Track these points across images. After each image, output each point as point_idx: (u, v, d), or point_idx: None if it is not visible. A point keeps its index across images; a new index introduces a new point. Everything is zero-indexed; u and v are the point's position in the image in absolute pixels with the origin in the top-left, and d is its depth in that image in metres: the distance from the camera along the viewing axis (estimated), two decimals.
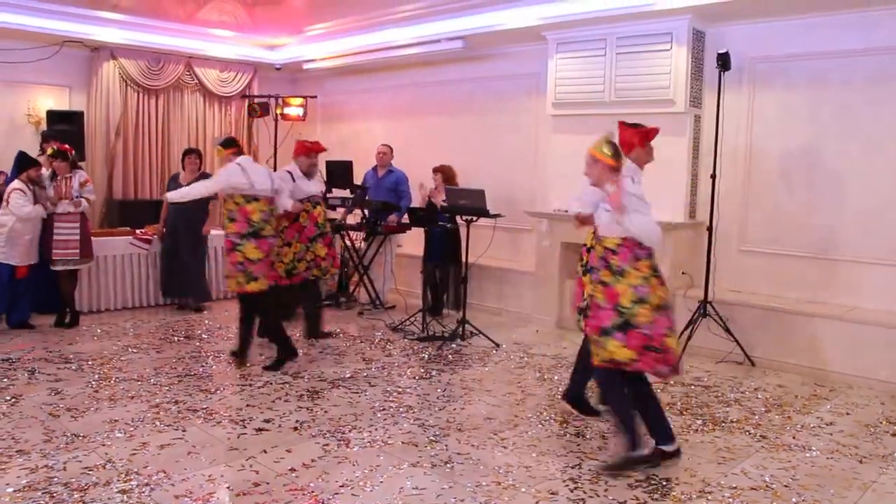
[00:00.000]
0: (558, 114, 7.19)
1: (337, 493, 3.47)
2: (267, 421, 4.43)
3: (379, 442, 4.14)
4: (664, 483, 3.69)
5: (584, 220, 4.06)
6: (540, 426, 4.46)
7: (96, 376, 5.23)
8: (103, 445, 3.97)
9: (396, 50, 8.43)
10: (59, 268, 6.54)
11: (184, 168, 7.52)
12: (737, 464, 3.97)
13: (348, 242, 8.01)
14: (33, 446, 3.93)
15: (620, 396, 3.87)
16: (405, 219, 7.54)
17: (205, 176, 7.04)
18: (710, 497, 3.54)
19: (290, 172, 5.97)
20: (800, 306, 5.91)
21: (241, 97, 9.93)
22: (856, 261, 5.83)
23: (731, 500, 3.52)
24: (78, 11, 8.08)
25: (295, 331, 6.47)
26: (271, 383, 5.20)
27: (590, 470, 3.82)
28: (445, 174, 7.51)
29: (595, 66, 6.83)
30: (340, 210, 7.87)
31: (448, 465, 3.85)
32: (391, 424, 4.42)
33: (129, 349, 6.01)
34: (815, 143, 6.02)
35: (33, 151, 7.58)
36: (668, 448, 3.88)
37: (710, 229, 6.07)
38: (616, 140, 3.90)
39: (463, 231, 6.66)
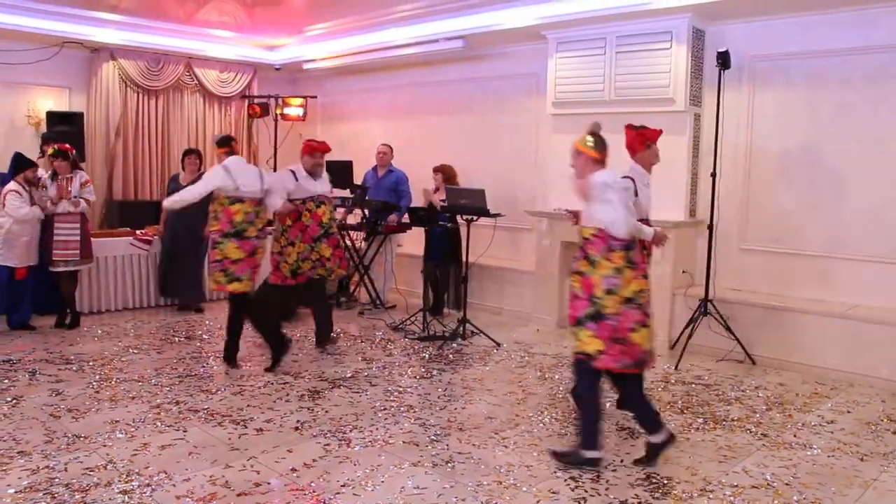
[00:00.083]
0: (558, 113, 7.19)
1: (338, 493, 3.48)
2: (268, 421, 4.44)
3: (380, 441, 4.14)
4: (665, 481, 3.69)
5: (577, 217, 4.07)
6: (541, 425, 4.46)
7: (97, 377, 5.24)
8: (104, 446, 3.97)
9: (396, 50, 8.43)
10: (59, 269, 6.54)
11: (184, 169, 7.52)
12: (738, 462, 3.97)
13: (349, 242, 8.01)
14: (34, 447, 3.93)
15: (591, 393, 3.85)
16: (405, 218, 7.54)
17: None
18: (711, 495, 3.54)
19: (293, 172, 5.94)
20: (800, 304, 5.91)
21: (241, 97, 9.93)
22: (856, 259, 5.83)
23: (732, 498, 3.52)
24: (77, 12, 8.09)
25: (295, 331, 6.48)
26: (272, 383, 5.20)
27: (590, 468, 3.82)
28: (446, 174, 7.51)
29: (595, 65, 6.83)
30: (341, 210, 7.86)
31: (449, 465, 3.85)
32: (392, 424, 4.43)
33: (130, 350, 6.01)
34: (815, 141, 6.02)
35: (33, 152, 7.60)
36: (657, 439, 3.85)
37: (710, 228, 6.06)
38: (601, 131, 3.88)
39: (463, 230, 6.65)
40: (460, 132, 8.52)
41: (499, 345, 6.40)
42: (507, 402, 4.91)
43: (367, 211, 7.78)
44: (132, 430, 4.22)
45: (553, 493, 3.54)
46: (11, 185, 6.33)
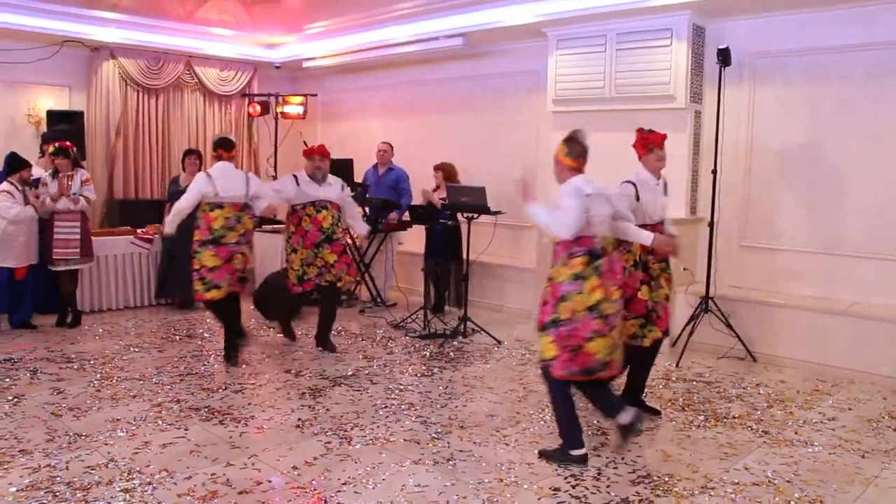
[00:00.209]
0: (559, 110, 7.18)
1: (339, 491, 3.48)
2: (269, 419, 4.44)
3: (381, 439, 4.14)
4: (666, 479, 3.69)
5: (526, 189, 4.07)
6: (542, 423, 4.46)
7: (98, 376, 5.24)
8: (105, 444, 3.98)
9: (396, 47, 8.42)
10: (59, 268, 6.54)
11: (184, 169, 7.52)
12: (739, 459, 3.97)
13: (349, 241, 8.00)
14: (36, 446, 3.94)
15: (561, 396, 3.85)
16: (406, 216, 7.53)
17: None
18: (712, 493, 3.54)
19: (296, 176, 5.91)
20: (801, 302, 5.91)
21: (241, 96, 9.92)
22: (857, 256, 5.83)
23: (733, 495, 3.52)
24: (77, 11, 8.07)
25: (297, 329, 6.48)
26: (273, 381, 5.21)
27: (592, 467, 3.82)
28: (446, 172, 7.51)
29: (595, 62, 6.82)
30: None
31: (450, 463, 3.85)
32: (393, 422, 4.43)
33: (131, 348, 6.01)
34: (816, 138, 6.01)
35: (34, 152, 7.61)
36: (623, 419, 3.81)
37: (711, 225, 6.06)
38: (584, 137, 3.88)
39: (464, 228, 6.65)
40: (461, 130, 8.51)
41: (499, 342, 6.40)
42: (507, 400, 4.91)
43: (367, 209, 7.77)
44: (133, 428, 4.22)
45: (554, 490, 3.54)
46: (4, 185, 6.32)
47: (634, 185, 4.35)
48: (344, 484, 3.56)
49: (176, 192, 6.75)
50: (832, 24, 5.85)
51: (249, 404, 4.71)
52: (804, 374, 5.62)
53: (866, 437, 4.35)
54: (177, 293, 7.54)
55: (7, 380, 5.10)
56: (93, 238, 6.91)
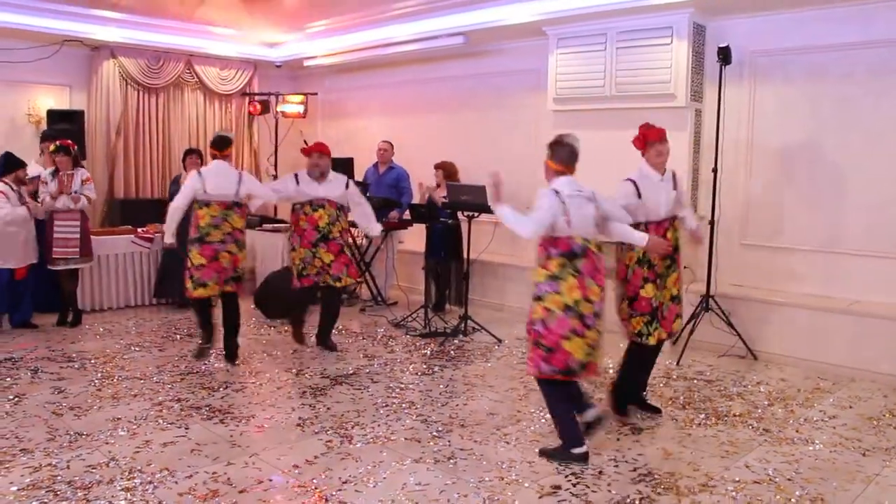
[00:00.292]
0: (559, 109, 7.17)
1: (340, 490, 3.48)
2: (269, 418, 4.44)
3: (382, 438, 4.14)
4: (667, 477, 3.69)
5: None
6: (543, 421, 4.46)
7: (99, 375, 5.24)
8: (106, 443, 3.98)
9: (397, 46, 8.41)
10: (59, 267, 6.54)
11: (185, 168, 7.50)
12: (740, 457, 3.97)
13: (350, 239, 8.00)
14: (37, 445, 3.94)
15: (553, 395, 3.89)
16: (406, 215, 7.53)
17: None
18: (713, 491, 3.54)
19: (296, 175, 5.90)
20: (802, 300, 5.91)
21: (242, 95, 9.92)
22: (858, 254, 5.82)
23: (734, 493, 3.52)
24: (77, 10, 8.07)
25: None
26: (274, 380, 5.21)
27: (593, 465, 3.82)
28: (447, 170, 7.51)
29: (595, 61, 6.81)
30: None
31: (451, 461, 3.85)
32: (394, 420, 4.43)
33: (132, 347, 6.01)
34: (817, 136, 6.01)
35: (34, 151, 7.60)
36: (588, 416, 3.95)
37: (711, 224, 6.06)
38: (573, 140, 3.93)
39: (464, 227, 6.65)
40: (461, 129, 8.51)
41: (500, 341, 6.40)
42: (508, 399, 4.91)
43: None
44: (134, 427, 4.23)
45: (555, 488, 3.54)
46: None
47: (634, 182, 4.32)
48: (345, 482, 3.56)
49: (177, 192, 6.74)
50: (831, 23, 5.85)
51: (250, 403, 4.72)
52: (805, 372, 5.62)
53: (867, 434, 4.35)
54: (176, 292, 7.54)
55: (8, 379, 5.10)
56: (94, 237, 6.91)
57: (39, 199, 6.56)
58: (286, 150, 9.45)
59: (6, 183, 6.31)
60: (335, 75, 10.18)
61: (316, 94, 9.98)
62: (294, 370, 5.46)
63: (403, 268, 8.26)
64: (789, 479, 3.69)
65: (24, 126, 8.49)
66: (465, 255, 6.69)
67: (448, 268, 7.56)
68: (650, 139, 4.36)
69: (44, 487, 3.43)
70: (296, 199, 5.86)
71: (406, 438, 4.15)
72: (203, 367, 5.48)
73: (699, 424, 4.47)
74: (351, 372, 5.44)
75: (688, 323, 5.98)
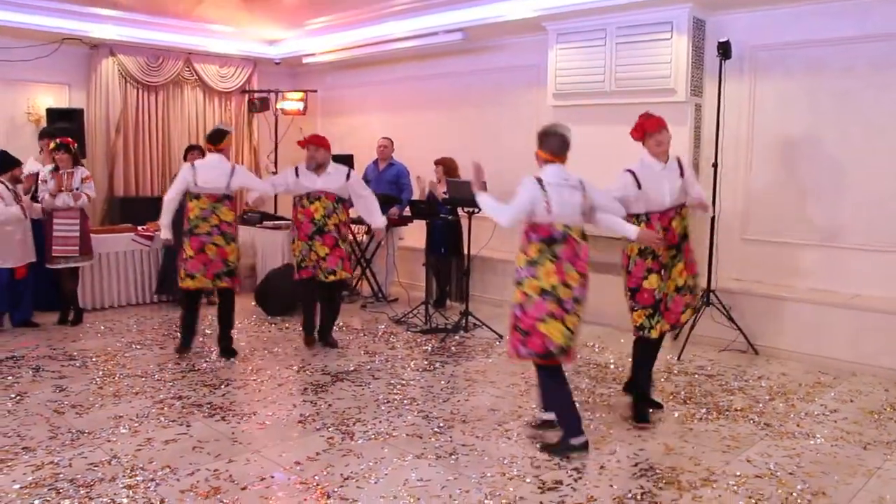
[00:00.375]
0: (559, 105, 7.16)
1: (342, 486, 3.48)
2: (271, 415, 4.44)
3: (383, 434, 4.15)
4: (669, 472, 3.69)
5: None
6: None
7: (100, 373, 5.25)
8: (108, 441, 3.98)
9: (396, 43, 8.40)
10: (58, 265, 6.54)
11: None
12: (741, 452, 3.97)
13: (349, 235, 8.00)
14: (39, 443, 3.95)
15: (551, 384, 3.95)
16: (407, 211, 7.52)
17: None
18: (714, 485, 3.55)
19: (297, 168, 5.90)
20: (803, 294, 5.90)
21: (241, 92, 9.92)
22: (858, 248, 5.82)
23: (735, 488, 3.52)
24: (76, 9, 8.06)
25: (298, 326, 6.48)
26: (275, 377, 5.21)
27: (594, 460, 3.83)
28: (447, 167, 7.50)
29: (595, 56, 6.79)
30: None
31: (452, 457, 3.86)
32: (395, 417, 4.43)
33: (133, 345, 6.02)
34: (817, 130, 6.00)
35: (34, 150, 7.59)
36: (547, 415, 4.14)
37: (712, 218, 6.05)
38: (564, 130, 3.96)
39: (465, 223, 6.65)
40: (461, 125, 8.50)
41: (501, 337, 6.40)
42: (509, 394, 4.92)
43: None
44: (136, 425, 4.23)
45: (557, 483, 3.54)
46: None
47: (634, 173, 4.27)
48: (346, 479, 3.56)
49: None
50: (827, 17, 5.84)
51: (251, 400, 4.72)
52: (806, 366, 5.62)
53: (868, 428, 4.35)
54: (170, 291, 7.55)
55: (10, 378, 5.10)
56: (94, 236, 6.91)
57: (39, 198, 6.56)
58: (286, 147, 9.43)
59: (2, 182, 6.30)
60: (335, 72, 10.17)
61: (316, 91, 9.97)
62: (295, 367, 5.47)
63: (404, 264, 8.26)
64: (791, 474, 3.69)
65: (23, 125, 8.49)
66: (465, 252, 6.69)
67: (449, 264, 7.56)
68: (648, 129, 4.34)
69: (46, 485, 3.43)
70: (295, 192, 5.86)
71: (407, 434, 4.16)
72: (204, 365, 5.49)
73: (700, 419, 4.47)
74: (352, 368, 5.45)
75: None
